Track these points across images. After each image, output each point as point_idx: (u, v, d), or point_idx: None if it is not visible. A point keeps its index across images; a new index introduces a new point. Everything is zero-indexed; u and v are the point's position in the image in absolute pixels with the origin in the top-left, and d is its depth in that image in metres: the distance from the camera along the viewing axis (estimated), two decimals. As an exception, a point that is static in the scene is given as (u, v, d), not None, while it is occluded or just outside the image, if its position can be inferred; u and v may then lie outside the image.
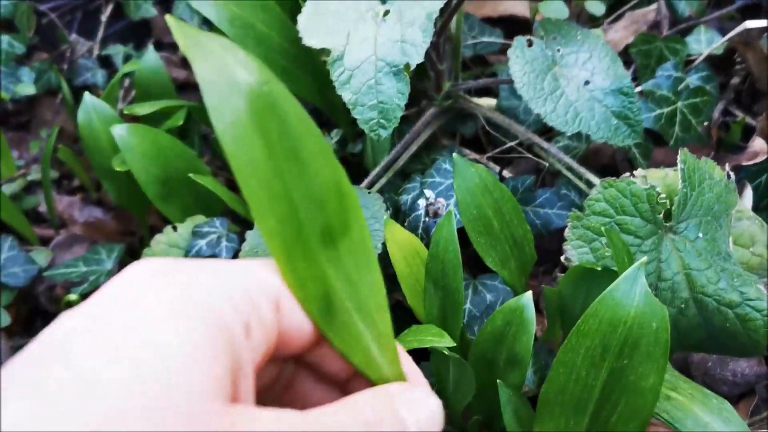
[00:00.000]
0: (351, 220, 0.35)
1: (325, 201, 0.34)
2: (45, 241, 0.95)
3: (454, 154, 0.58)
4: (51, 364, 0.24)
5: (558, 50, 0.66)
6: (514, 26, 0.99)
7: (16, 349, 0.83)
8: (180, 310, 0.27)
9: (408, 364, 0.38)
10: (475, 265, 0.73)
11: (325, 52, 0.60)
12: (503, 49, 0.96)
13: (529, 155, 0.81)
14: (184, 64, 1.11)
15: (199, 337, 0.27)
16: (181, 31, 0.30)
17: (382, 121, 0.57)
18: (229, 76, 0.31)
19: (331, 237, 0.34)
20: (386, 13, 0.58)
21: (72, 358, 0.24)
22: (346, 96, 0.57)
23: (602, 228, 0.58)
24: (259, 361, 0.31)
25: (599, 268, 0.54)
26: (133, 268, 0.29)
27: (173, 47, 1.13)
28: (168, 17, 0.31)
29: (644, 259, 0.47)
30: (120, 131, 0.72)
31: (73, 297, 0.79)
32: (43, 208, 0.98)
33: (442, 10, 0.60)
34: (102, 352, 0.25)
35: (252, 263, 0.33)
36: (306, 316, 0.33)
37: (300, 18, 0.61)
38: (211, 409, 0.25)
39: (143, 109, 0.78)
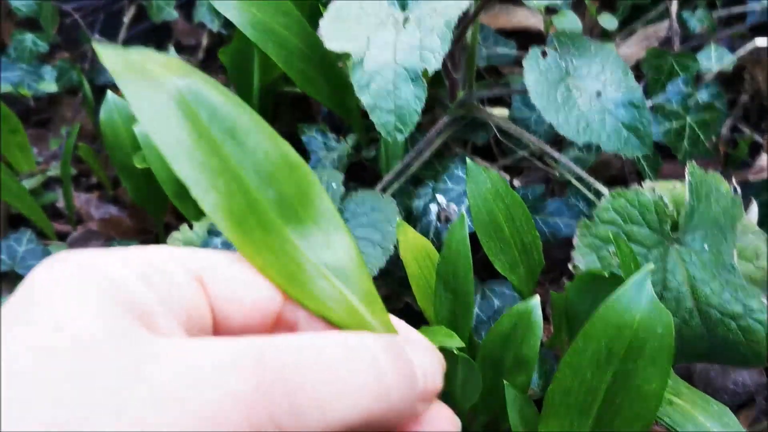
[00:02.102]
0: (308, 190, 0.35)
1: (275, 174, 0.34)
2: (62, 237, 0.97)
3: (468, 160, 0.60)
4: None
5: (571, 62, 0.68)
6: (527, 39, 1.00)
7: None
8: (61, 277, 0.27)
9: (402, 325, 0.37)
10: (483, 271, 0.74)
11: (342, 58, 0.62)
12: (517, 61, 0.98)
13: (541, 165, 0.83)
14: (203, 67, 1.13)
15: (77, 293, 0.26)
16: (105, 52, 0.31)
17: (398, 125, 0.58)
18: (149, 76, 0.32)
19: (292, 208, 0.34)
20: (406, 20, 0.60)
21: None
22: (365, 99, 0.58)
23: (610, 235, 0.59)
24: (186, 318, 0.30)
25: (606, 275, 0.55)
26: (37, 267, 0.29)
27: (192, 50, 1.15)
28: (96, 45, 0.32)
29: (650, 265, 0.48)
30: (141, 129, 0.74)
31: (88, 290, 0.81)
32: (60, 203, 1.00)
33: (459, 20, 0.62)
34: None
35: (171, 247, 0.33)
36: (263, 287, 0.32)
37: (322, 22, 0.63)
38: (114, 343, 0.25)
39: (164, 108, 0.80)
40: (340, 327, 0.33)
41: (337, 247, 0.35)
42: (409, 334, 0.37)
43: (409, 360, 0.32)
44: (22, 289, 0.27)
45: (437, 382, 0.33)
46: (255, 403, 0.25)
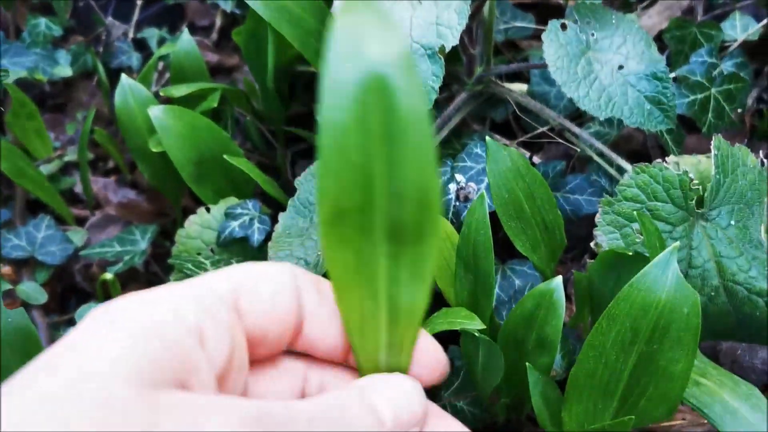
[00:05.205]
0: (425, 232, 0.33)
1: (405, 202, 0.32)
2: (80, 221, 0.97)
3: (487, 138, 0.58)
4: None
5: (592, 34, 0.66)
6: (546, 11, 0.98)
7: (52, 326, 0.85)
8: (126, 351, 0.29)
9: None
10: (503, 251, 0.73)
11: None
12: (535, 35, 0.96)
13: (561, 140, 0.81)
14: (217, 47, 1.12)
15: (116, 349, 0.29)
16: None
17: (415, 104, 0.57)
18: (357, 47, 0.28)
19: (399, 238, 0.33)
20: (421, -4, 0.59)
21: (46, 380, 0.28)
22: (381, 79, 0.57)
23: (634, 212, 0.58)
24: (225, 359, 0.33)
25: (630, 253, 0.54)
26: (91, 315, 0.31)
27: (206, 30, 1.14)
28: None
29: (676, 243, 0.47)
30: (156, 112, 0.73)
31: (108, 276, 0.81)
32: (78, 188, 1.00)
33: (476, -6, 0.60)
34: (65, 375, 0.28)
35: (208, 276, 0.35)
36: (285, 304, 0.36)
37: (336, 1, 0.61)
38: (127, 394, 0.27)
39: (179, 90, 0.79)
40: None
41: (415, 294, 0.35)
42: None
43: (368, 401, 0.35)
44: (75, 333, 0.30)
45: (413, 406, 0.37)
46: None
